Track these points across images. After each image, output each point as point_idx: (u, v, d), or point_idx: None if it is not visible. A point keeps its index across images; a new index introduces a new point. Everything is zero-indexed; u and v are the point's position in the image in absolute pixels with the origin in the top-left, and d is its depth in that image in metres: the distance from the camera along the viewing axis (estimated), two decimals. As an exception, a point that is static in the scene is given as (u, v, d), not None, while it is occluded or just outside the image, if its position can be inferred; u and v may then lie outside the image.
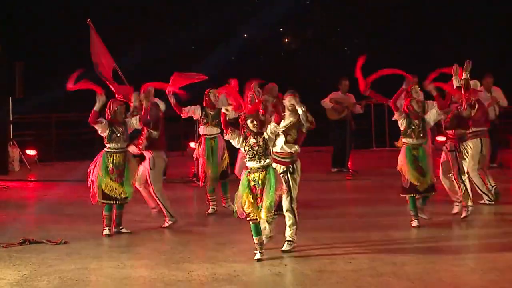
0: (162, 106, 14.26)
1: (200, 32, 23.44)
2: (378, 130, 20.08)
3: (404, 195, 10.22)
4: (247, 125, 8.48)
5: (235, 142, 8.62)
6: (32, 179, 15.56)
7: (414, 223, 10.10)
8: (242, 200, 8.42)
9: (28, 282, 7.69)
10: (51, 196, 12.93)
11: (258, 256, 8.43)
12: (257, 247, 8.48)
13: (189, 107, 11.25)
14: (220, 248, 9.04)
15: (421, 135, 10.09)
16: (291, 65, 25.65)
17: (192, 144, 16.85)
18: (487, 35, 23.30)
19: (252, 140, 8.43)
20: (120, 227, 10.00)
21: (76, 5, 21.79)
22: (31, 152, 17.48)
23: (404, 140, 10.17)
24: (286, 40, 28.58)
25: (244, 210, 8.42)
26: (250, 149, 8.42)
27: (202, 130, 11.30)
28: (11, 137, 16.81)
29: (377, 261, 8.31)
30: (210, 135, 11.20)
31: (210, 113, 11.18)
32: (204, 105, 11.25)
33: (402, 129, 10.18)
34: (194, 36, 23.64)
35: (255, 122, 8.43)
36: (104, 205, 9.92)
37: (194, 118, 11.60)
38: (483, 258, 8.42)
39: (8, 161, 16.18)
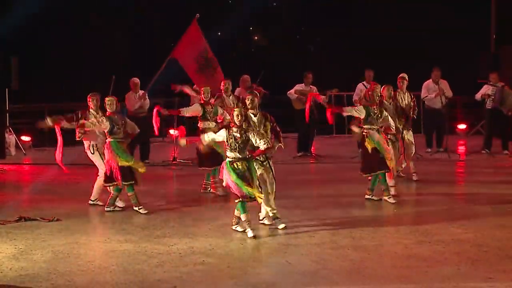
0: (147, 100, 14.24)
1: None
2: (338, 118, 20.09)
3: (368, 174, 10.32)
4: (232, 117, 8.44)
5: (215, 137, 8.62)
6: (27, 162, 15.41)
7: (391, 199, 10.22)
8: (238, 183, 8.28)
9: (24, 255, 7.63)
10: (44, 178, 12.82)
11: (250, 233, 8.32)
12: (247, 225, 8.40)
13: (185, 108, 11.13)
14: (197, 225, 9.02)
15: (380, 120, 10.20)
16: (261, 60, 25.60)
17: (171, 131, 16.76)
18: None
19: (236, 134, 8.38)
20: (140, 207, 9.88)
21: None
22: (26, 138, 17.33)
23: (365, 126, 10.21)
24: (256, 38, 28.55)
25: (243, 192, 8.27)
26: (234, 140, 8.38)
27: (202, 125, 10.93)
28: (8, 124, 16.67)
29: (337, 235, 8.34)
30: (210, 128, 10.97)
31: (208, 110, 10.95)
32: (202, 102, 11.02)
33: (362, 118, 10.22)
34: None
35: (239, 117, 8.39)
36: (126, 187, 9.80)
37: (197, 115, 11.08)
38: (431, 231, 8.48)
39: (5, 146, 16.05)
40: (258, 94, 9.14)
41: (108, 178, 9.78)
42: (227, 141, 8.43)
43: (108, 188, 9.95)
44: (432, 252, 7.60)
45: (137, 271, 7.02)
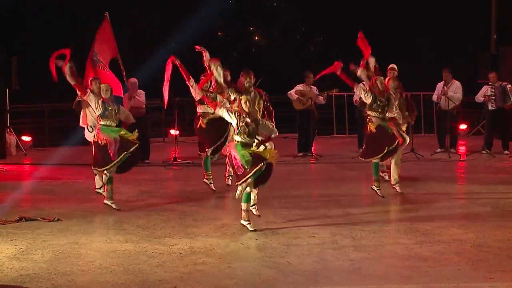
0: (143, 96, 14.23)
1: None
2: (338, 118, 20.10)
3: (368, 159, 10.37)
4: (241, 104, 8.50)
5: (227, 116, 8.66)
6: (27, 162, 15.41)
7: (379, 191, 10.26)
8: (244, 162, 8.34)
9: (24, 255, 7.64)
10: (45, 178, 12.81)
11: (250, 227, 8.48)
12: (246, 216, 8.54)
13: (194, 82, 11.05)
14: (198, 225, 9.02)
15: (385, 109, 10.22)
16: (261, 60, 25.57)
17: (172, 131, 16.76)
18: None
19: (247, 119, 8.49)
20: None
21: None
22: (26, 138, 17.32)
23: (369, 112, 10.24)
24: (256, 38, 28.54)
25: (245, 167, 8.32)
26: (244, 125, 8.46)
27: (201, 109, 11.14)
28: (8, 124, 16.67)
29: (338, 235, 8.35)
30: (208, 112, 11.01)
31: (208, 95, 11.03)
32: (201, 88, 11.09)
33: (368, 102, 10.26)
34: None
35: (247, 103, 8.48)
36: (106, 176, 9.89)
37: (196, 98, 11.19)
38: (431, 231, 8.50)
39: (6, 146, 16.04)
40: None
41: (96, 162, 9.92)
42: (237, 125, 8.54)
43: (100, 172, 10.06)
44: (432, 252, 7.61)
45: (138, 271, 7.03)
